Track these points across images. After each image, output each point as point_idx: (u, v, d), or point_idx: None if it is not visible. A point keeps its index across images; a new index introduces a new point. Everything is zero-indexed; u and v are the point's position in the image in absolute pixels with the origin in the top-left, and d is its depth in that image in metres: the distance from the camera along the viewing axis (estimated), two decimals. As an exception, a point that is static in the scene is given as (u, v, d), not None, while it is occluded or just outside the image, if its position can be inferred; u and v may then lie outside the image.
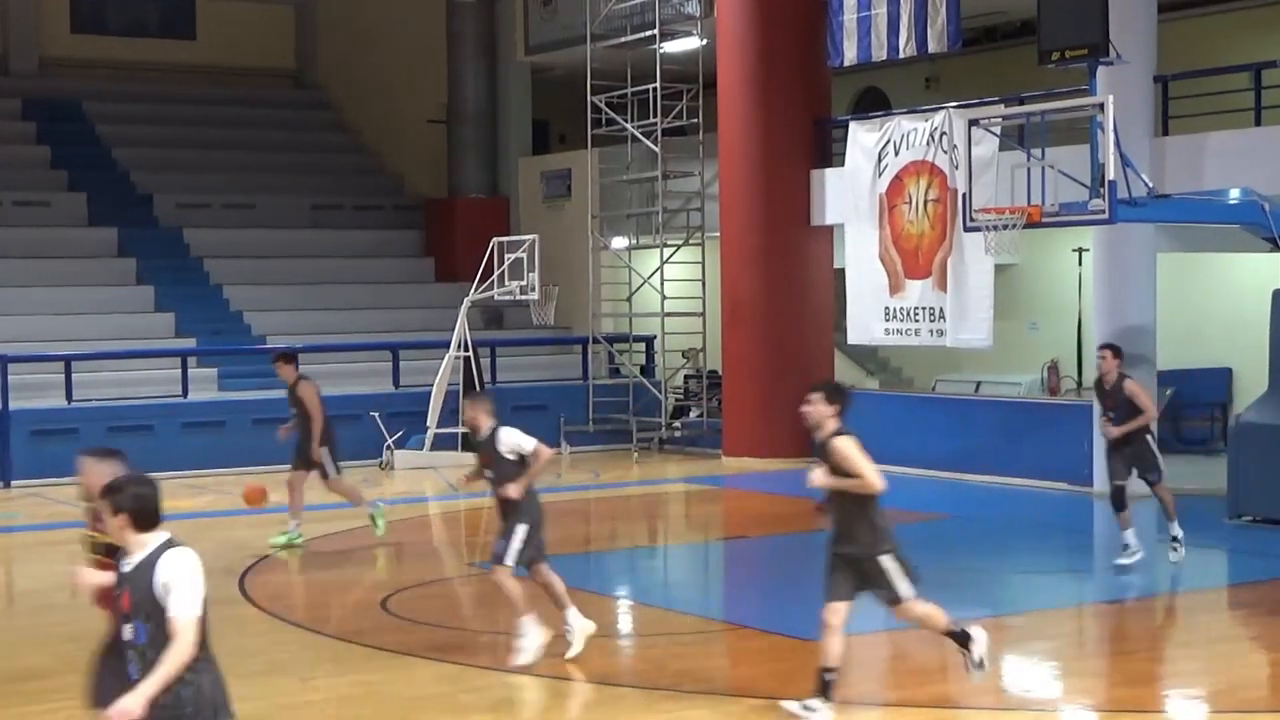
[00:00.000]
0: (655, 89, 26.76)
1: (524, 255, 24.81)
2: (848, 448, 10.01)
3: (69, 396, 24.12)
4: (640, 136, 27.25)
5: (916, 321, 22.22)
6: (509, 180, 32.03)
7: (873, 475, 9.95)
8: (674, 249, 27.46)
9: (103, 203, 29.73)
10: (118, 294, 27.64)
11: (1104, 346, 15.52)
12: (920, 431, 22.79)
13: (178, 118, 32.89)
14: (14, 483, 22.95)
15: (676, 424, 27.50)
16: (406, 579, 15.62)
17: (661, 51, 26.91)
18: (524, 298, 25.06)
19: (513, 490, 11.71)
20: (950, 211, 21.14)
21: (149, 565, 6.51)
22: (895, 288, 22.43)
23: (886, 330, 22.81)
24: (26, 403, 23.66)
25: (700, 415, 27.40)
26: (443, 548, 19.05)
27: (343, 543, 18.03)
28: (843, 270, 24.02)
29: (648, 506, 21.90)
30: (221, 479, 23.22)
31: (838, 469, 10.02)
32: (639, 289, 27.91)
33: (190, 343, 26.46)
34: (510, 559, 11.82)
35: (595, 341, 28.02)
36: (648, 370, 28.28)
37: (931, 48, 22.10)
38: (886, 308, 22.62)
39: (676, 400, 28.37)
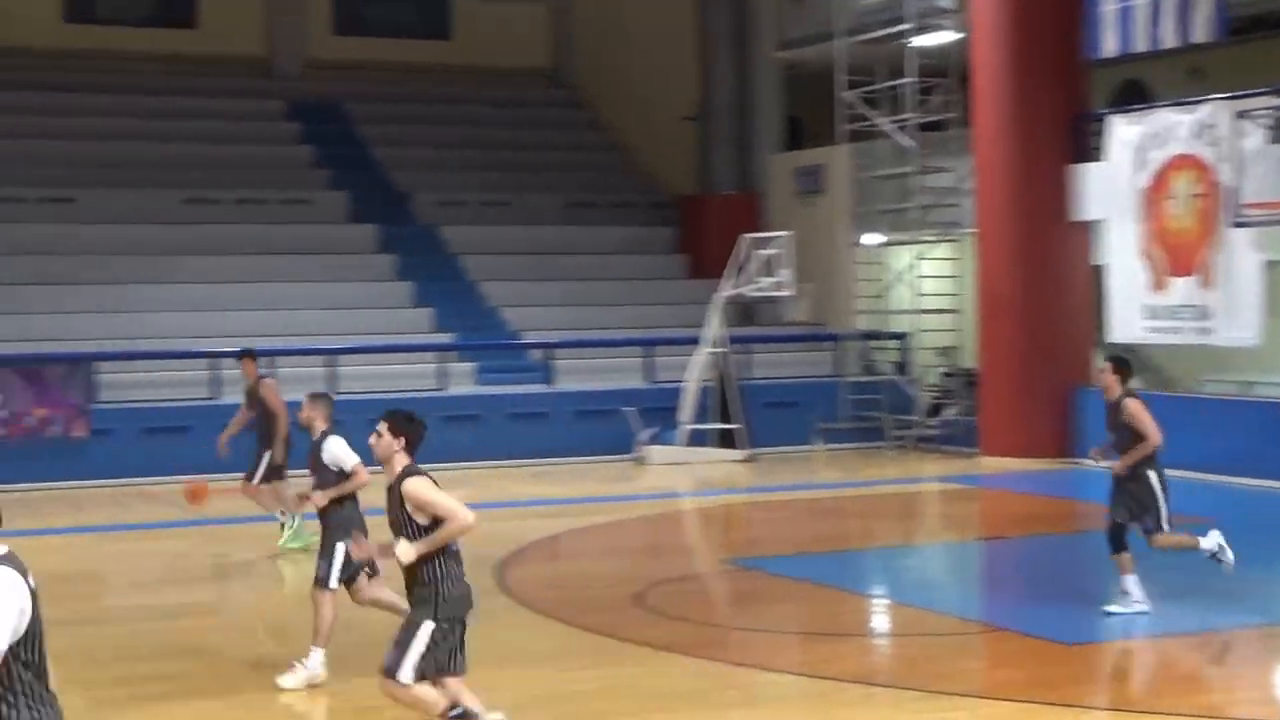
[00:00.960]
0: (909, 83, 26.48)
1: (777, 252, 24.73)
2: (421, 490, 8.50)
3: (334, 390, 24.69)
4: (894, 132, 26.99)
5: (1180, 319, 21.67)
6: (761, 176, 31.98)
7: (461, 509, 8.50)
8: (929, 245, 27.15)
9: (363, 201, 30.40)
10: (378, 290, 28.24)
11: (1107, 359, 13.50)
12: (1185, 433, 22.09)
13: (436, 117, 33.51)
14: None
15: (932, 422, 27.17)
16: (661, 574, 15.66)
17: (915, 45, 26.62)
18: (777, 294, 24.99)
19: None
20: (1216, 207, 20.56)
21: None
22: (1158, 285, 21.90)
23: (1148, 328, 22.29)
24: (290, 395, 24.23)
25: (957, 413, 27.01)
26: (696, 544, 19.10)
27: (598, 536, 18.18)
28: (1101, 267, 23.50)
29: (903, 505, 21.66)
30: (479, 472, 23.59)
31: (412, 522, 8.51)
32: (893, 286, 27.64)
33: (448, 338, 26.92)
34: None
35: (849, 338, 27.82)
36: (902, 367, 28.01)
37: (1196, 38, 21.48)
38: (1148, 305, 22.10)
39: (932, 398, 28.04)
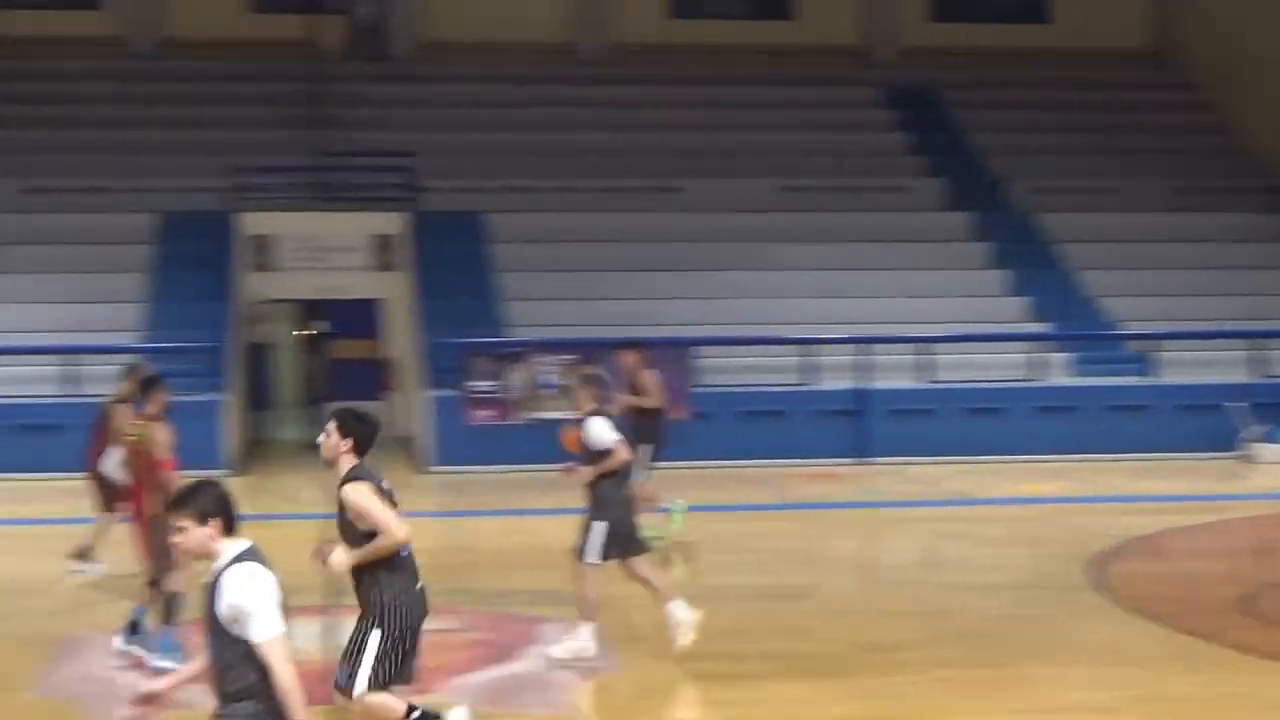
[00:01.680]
0: None
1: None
2: (359, 499, 8.02)
3: (927, 378, 24.68)
4: None
5: None
6: (1386, 159, 30.00)
7: (395, 523, 8.02)
8: None
9: (960, 188, 30.21)
10: (972, 278, 27.96)
11: None
12: None
13: (1034, 102, 32.92)
14: (874, 459, 23.70)
15: None
16: (1270, 578, 14.89)
17: None
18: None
19: None
20: None
21: (217, 580, 5.93)
22: None
23: None
24: (885, 382, 24.39)
25: None
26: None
27: (1201, 536, 17.48)
28: None
29: None
30: (1075, 465, 23.09)
31: (352, 528, 8.06)
32: None
33: (1044, 328, 26.42)
34: None
35: None
36: None
37: None
38: None
39: None
